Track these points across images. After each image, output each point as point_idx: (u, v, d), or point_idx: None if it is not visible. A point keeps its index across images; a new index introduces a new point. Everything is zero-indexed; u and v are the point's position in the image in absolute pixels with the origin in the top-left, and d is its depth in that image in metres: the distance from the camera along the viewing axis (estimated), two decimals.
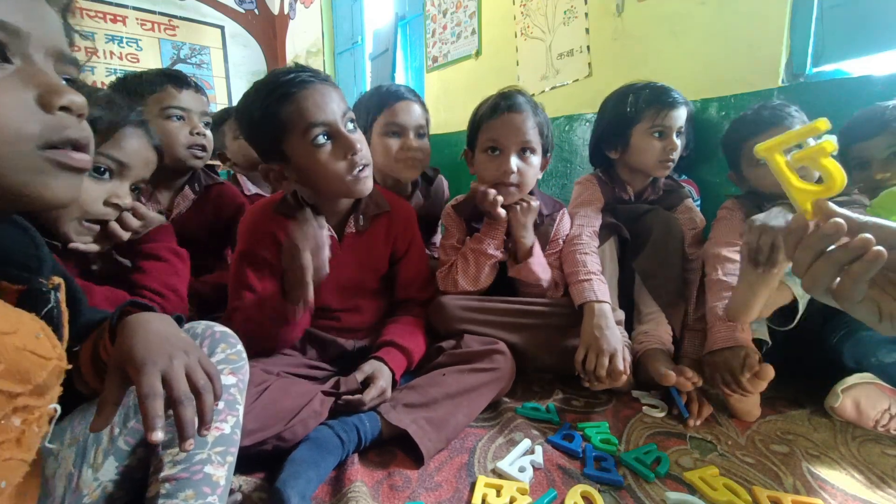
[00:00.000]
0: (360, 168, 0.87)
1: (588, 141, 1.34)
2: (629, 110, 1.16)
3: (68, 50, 0.44)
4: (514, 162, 1.03)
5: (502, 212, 1.04)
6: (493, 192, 1.03)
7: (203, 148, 1.18)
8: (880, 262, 0.40)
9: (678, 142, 1.14)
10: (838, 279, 0.43)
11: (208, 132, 1.20)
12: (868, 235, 0.40)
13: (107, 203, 0.80)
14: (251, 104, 0.87)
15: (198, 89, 1.21)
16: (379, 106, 1.25)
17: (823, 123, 0.46)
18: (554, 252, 1.14)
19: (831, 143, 0.45)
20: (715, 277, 1.02)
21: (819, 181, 0.46)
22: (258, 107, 0.85)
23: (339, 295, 1.00)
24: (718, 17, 1.48)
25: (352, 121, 0.89)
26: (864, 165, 1.01)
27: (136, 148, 0.84)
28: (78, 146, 0.42)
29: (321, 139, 0.85)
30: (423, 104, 1.31)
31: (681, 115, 1.14)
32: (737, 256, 1.02)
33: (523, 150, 1.04)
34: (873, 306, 0.43)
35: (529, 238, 1.06)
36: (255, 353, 0.87)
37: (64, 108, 0.40)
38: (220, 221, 1.27)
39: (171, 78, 1.16)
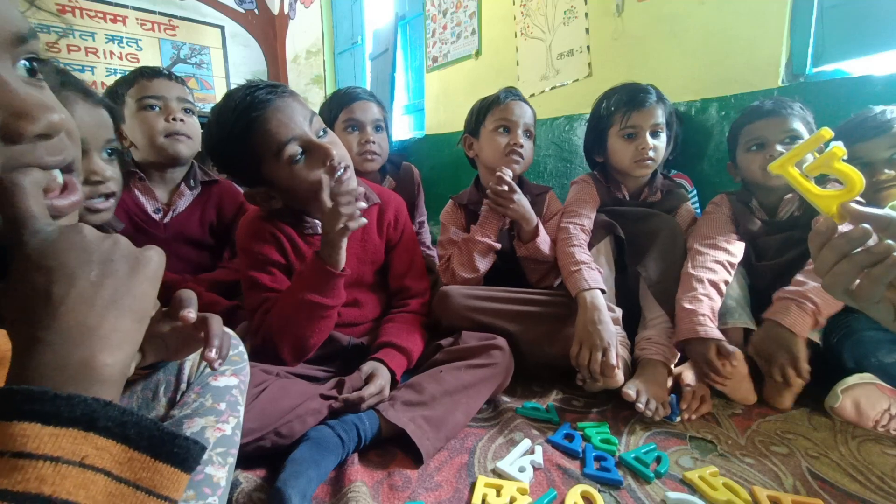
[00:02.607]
0: (341, 171, 0.87)
1: None
2: (603, 114, 1.20)
3: (23, 24, 0.33)
4: (521, 137, 1.18)
5: (508, 173, 1.10)
6: (506, 171, 1.11)
7: (185, 134, 1.15)
8: None
9: (653, 141, 1.14)
10: (857, 280, 0.45)
11: (190, 118, 1.18)
12: (890, 242, 0.43)
13: (87, 182, 0.76)
14: (217, 139, 0.86)
15: (171, 77, 1.19)
16: (339, 106, 1.40)
17: (827, 132, 0.48)
18: (548, 228, 1.22)
19: (840, 148, 0.47)
20: (686, 270, 1.06)
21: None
22: (224, 141, 0.85)
23: None
24: (718, 17, 1.49)
25: (321, 126, 0.88)
26: (865, 166, 1.01)
27: (80, 115, 0.76)
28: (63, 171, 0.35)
29: (296, 156, 0.84)
30: (379, 103, 1.45)
31: (652, 114, 1.14)
32: (709, 250, 1.07)
33: (525, 133, 1.20)
34: (889, 306, 0.45)
35: (531, 222, 1.13)
36: (288, 353, 0.89)
37: (41, 136, 0.32)
38: (222, 220, 1.26)
39: (143, 71, 1.16)
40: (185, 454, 0.29)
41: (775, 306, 0.93)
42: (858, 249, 0.44)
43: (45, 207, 0.33)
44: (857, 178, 0.46)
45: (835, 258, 0.46)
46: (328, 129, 0.91)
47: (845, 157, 0.47)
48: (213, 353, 0.45)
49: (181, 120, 1.15)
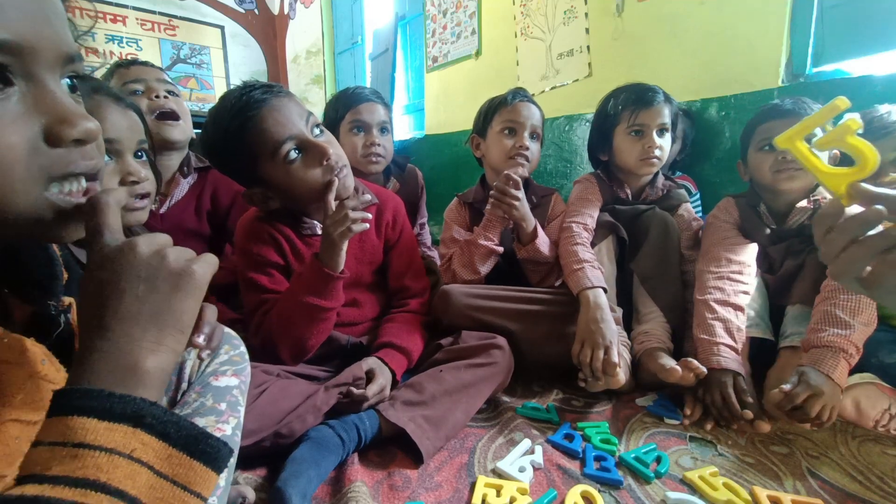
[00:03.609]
0: (338, 171, 0.87)
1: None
2: (610, 113, 1.20)
3: (74, 45, 0.37)
4: (528, 139, 1.20)
5: (519, 173, 1.12)
6: (513, 175, 1.11)
7: (170, 114, 1.13)
8: None
9: (659, 139, 1.14)
10: (868, 267, 0.41)
11: (175, 99, 1.17)
12: None
13: (123, 182, 0.78)
14: (214, 139, 0.86)
15: (147, 63, 1.19)
16: (345, 106, 1.39)
17: (843, 102, 0.43)
18: (551, 229, 1.23)
19: (855, 120, 0.43)
20: (699, 297, 1.03)
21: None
22: (221, 140, 0.85)
23: None
24: (718, 17, 1.49)
25: (317, 125, 0.88)
26: None
27: (114, 119, 0.78)
28: (87, 178, 0.38)
29: (292, 154, 0.84)
30: (385, 105, 1.44)
31: (659, 113, 1.14)
32: (714, 267, 1.04)
33: (532, 135, 1.21)
34: None
35: (529, 223, 1.13)
36: (288, 355, 0.90)
37: (78, 141, 0.35)
38: (218, 208, 1.24)
39: (119, 63, 1.18)
40: (215, 454, 0.32)
41: (817, 355, 0.85)
42: (871, 233, 0.40)
43: (121, 224, 0.37)
44: (871, 155, 0.42)
45: (844, 242, 0.41)
46: (324, 129, 0.91)
47: (860, 132, 0.43)
48: (200, 339, 0.43)
49: (165, 97, 1.14)
